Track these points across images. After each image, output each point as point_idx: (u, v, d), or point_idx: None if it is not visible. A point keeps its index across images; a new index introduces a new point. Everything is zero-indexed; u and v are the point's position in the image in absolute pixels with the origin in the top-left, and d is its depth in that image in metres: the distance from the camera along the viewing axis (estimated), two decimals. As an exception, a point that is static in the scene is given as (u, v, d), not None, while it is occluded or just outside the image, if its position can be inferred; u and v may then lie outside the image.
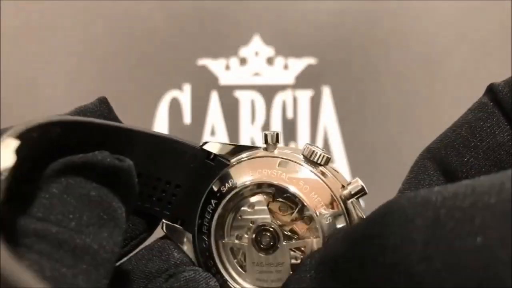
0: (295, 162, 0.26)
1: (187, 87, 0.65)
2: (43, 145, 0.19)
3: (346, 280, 0.20)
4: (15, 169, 0.17)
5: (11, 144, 0.16)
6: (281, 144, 0.27)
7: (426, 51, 0.62)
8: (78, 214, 0.20)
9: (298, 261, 0.26)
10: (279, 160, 0.26)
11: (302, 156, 0.26)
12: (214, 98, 0.65)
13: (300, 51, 0.63)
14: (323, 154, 0.25)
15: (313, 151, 0.25)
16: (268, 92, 0.64)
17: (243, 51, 0.64)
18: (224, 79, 0.65)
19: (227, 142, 0.27)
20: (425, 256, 0.16)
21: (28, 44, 0.65)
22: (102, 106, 0.25)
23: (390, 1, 0.61)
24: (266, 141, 0.26)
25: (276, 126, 0.64)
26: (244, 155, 0.26)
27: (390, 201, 0.19)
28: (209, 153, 0.26)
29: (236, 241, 0.26)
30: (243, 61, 0.64)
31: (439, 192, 0.17)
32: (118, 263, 0.25)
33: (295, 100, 0.64)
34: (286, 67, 0.64)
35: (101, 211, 0.21)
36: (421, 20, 0.62)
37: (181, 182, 0.26)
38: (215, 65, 0.65)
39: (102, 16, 0.65)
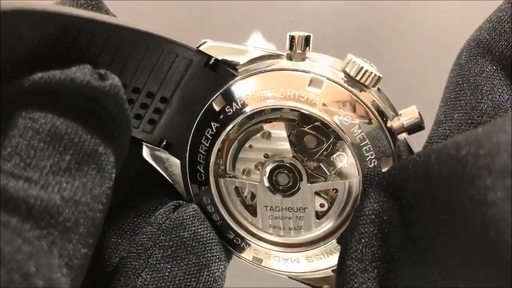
0: (333, 81, 0.19)
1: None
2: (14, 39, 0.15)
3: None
4: None
5: None
6: (311, 52, 0.20)
7: (428, 51, 0.61)
8: (42, 161, 0.15)
9: (325, 209, 0.20)
10: (311, 76, 0.19)
11: (343, 73, 0.19)
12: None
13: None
14: (373, 72, 0.19)
15: (361, 68, 0.19)
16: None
17: (243, 49, 0.64)
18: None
19: (235, 44, 0.20)
20: None
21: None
22: None
23: (391, 1, 0.61)
24: (291, 46, 0.19)
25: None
26: (259, 64, 0.20)
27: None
28: (209, 57, 0.19)
29: (244, 177, 0.20)
30: (242, 59, 0.63)
31: None
32: None
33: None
34: (287, 65, 0.63)
35: (75, 154, 0.16)
36: (423, 20, 0.62)
37: (167, 94, 0.19)
38: (214, 62, 0.63)
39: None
